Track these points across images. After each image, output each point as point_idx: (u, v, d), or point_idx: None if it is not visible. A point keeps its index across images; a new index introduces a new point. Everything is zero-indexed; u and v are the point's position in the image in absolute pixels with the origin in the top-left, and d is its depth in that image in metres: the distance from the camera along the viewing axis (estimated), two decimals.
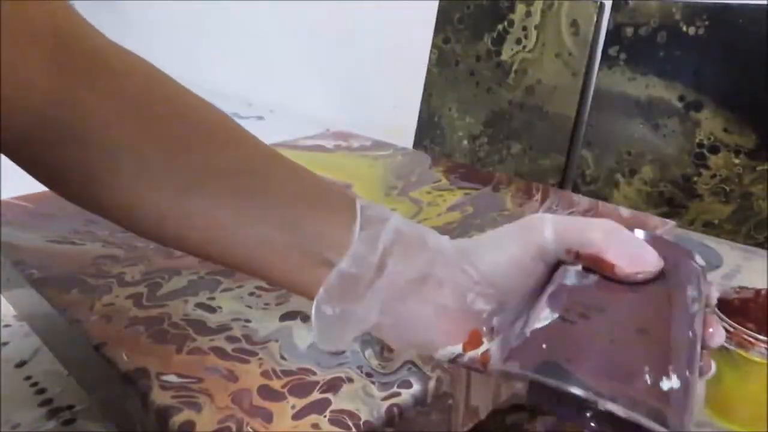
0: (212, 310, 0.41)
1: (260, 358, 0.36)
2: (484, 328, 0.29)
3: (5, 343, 0.52)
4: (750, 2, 0.72)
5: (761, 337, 0.40)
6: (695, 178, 0.76)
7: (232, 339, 0.38)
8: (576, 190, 0.85)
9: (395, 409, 0.32)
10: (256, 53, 1.44)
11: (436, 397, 0.34)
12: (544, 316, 0.26)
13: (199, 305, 0.41)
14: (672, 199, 0.78)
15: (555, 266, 0.28)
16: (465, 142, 0.98)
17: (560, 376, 0.24)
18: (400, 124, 1.06)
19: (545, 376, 0.24)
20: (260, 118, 1.36)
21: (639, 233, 0.27)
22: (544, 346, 0.25)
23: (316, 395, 0.33)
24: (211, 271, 0.45)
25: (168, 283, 0.44)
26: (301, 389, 0.34)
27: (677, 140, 0.77)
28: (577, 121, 0.87)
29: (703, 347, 0.26)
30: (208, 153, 0.30)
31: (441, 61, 1.01)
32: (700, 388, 0.25)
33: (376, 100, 1.21)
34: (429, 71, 1.02)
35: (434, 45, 1.01)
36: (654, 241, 0.27)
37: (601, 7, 0.83)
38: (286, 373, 0.35)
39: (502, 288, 0.29)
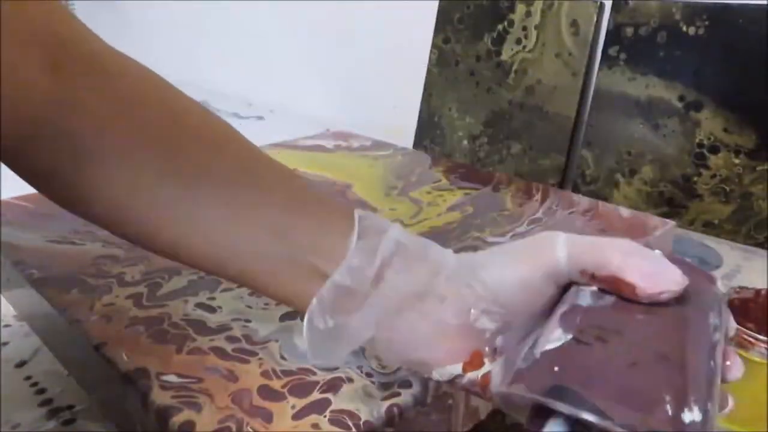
0: (212, 310, 0.41)
1: (260, 358, 0.36)
2: (487, 349, 0.28)
3: (5, 343, 0.52)
4: (750, 2, 0.72)
5: (761, 337, 0.40)
6: (695, 178, 0.76)
7: (232, 339, 0.38)
8: (576, 190, 0.85)
9: (395, 409, 0.32)
10: (256, 53, 1.44)
11: (436, 397, 0.34)
12: (555, 337, 0.24)
13: (199, 305, 0.41)
14: (672, 199, 0.78)
15: (566, 287, 0.27)
16: (465, 142, 0.98)
17: (572, 400, 0.22)
18: (400, 124, 1.06)
19: (556, 401, 0.22)
20: (260, 118, 1.36)
21: (658, 254, 0.26)
22: (555, 368, 0.23)
23: (316, 395, 0.33)
24: None
25: (168, 283, 0.44)
26: (301, 389, 0.34)
27: (677, 140, 0.77)
28: (577, 121, 0.87)
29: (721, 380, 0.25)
30: (203, 158, 0.29)
31: (441, 61, 1.01)
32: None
33: (376, 100, 1.21)
34: (429, 71, 1.02)
35: (434, 45, 1.01)
36: (675, 262, 0.26)
37: (601, 7, 0.83)
38: (286, 373, 0.35)
39: (508, 306, 0.27)
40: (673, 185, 0.78)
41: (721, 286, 0.27)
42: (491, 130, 0.95)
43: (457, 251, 0.30)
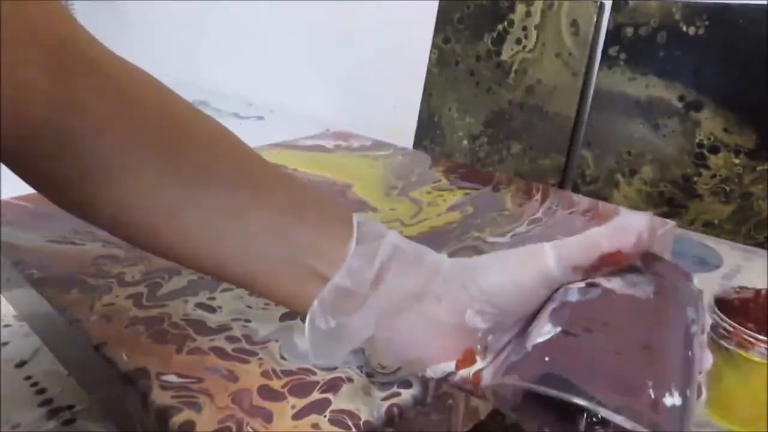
0: (212, 310, 0.41)
1: (260, 358, 0.36)
2: (479, 347, 0.29)
3: (5, 343, 0.52)
4: (750, 2, 0.72)
5: (761, 337, 0.40)
6: (695, 178, 0.76)
7: (232, 339, 0.38)
8: (576, 190, 0.85)
9: (395, 409, 0.32)
10: (256, 53, 1.44)
11: (436, 397, 0.34)
12: (546, 331, 0.26)
13: (199, 305, 0.41)
14: (672, 199, 0.78)
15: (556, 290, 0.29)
16: (465, 142, 0.98)
17: (562, 387, 0.23)
18: (400, 124, 1.06)
19: (548, 388, 0.24)
20: (260, 118, 1.36)
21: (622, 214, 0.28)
22: (546, 359, 0.25)
23: (316, 395, 0.33)
24: None
25: (168, 283, 0.44)
26: (301, 389, 0.34)
27: (677, 140, 0.77)
28: (577, 121, 0.87)
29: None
30: (203, 158, 0.30)
31: (441, 61, 1.01)
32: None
33: (376, 100, 1.21)
34: (429, 71, 1.02)
35: (434, 45, 1.01)
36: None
37: (601, 7, 0.83)
38: (286, 373, 0.35)
39: (501, 308, 0.28)
40: (673, 185, 0.78)
41: (698, 283, 0.29)
42: (491, 130, 0.95)
43: (457, 251, 0.30)
